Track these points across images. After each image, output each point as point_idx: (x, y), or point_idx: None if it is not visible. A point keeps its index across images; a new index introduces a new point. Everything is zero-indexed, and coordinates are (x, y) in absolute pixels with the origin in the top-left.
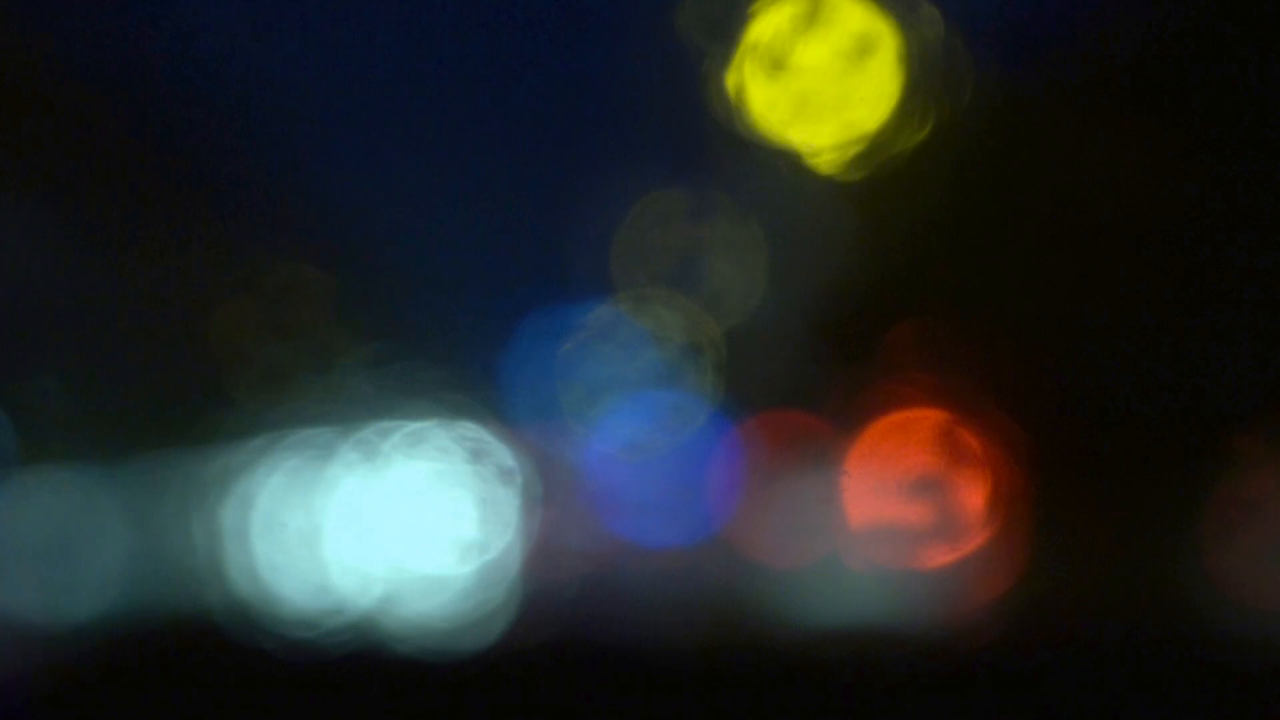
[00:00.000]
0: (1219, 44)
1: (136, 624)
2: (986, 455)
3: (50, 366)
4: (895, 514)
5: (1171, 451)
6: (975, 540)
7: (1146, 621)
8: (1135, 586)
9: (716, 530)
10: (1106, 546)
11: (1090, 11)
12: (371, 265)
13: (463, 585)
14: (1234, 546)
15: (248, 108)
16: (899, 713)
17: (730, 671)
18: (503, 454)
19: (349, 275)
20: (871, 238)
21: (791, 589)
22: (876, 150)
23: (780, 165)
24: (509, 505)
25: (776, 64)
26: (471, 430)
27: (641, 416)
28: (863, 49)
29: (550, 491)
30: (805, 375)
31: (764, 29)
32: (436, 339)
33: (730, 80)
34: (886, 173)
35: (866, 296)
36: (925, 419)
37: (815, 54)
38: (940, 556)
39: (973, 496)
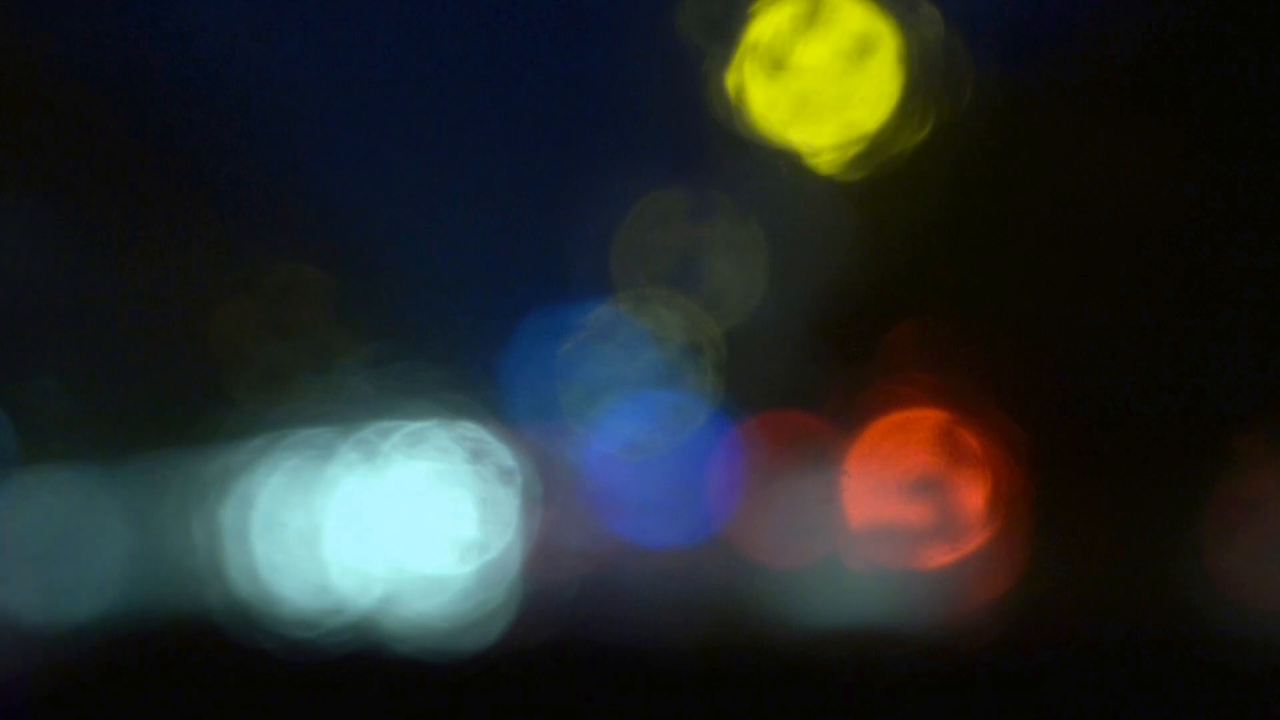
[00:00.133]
0: (1219, 44)
1: (136, 624)
2: (986, 455)
3: (50, 366)
4: (895, 514)
5: (1171, 451)
6: (975, 540)
7: (1146, 621)
8: (1135, 586)
9: (716, 530)
10: (1106, 546)
11: (1090, 11)
12: (371, 265)
13: (463, 585)
14: (1234, 546)
15: (248, 108)
16: (899, 713)
17: (730, 671)
18: (503, 454)
19: (349, 275)
20: (871, 238)
21: (791, 589)
22: (876, 150)
23: (780, 165)
24: (509, 505)
25: (776, 64)
26: (471, 430)
27: (641, 416)
28: (863, 49)
29: (550, 491)
30: (805, 375)
31: (764, 29)
32: (436, 339)
33: (730, 80)
34: (886, 173)
35: (866, 296)
36: (925, 419)
37: (815, 54)
38: (940, 556)
39: (973, 496)
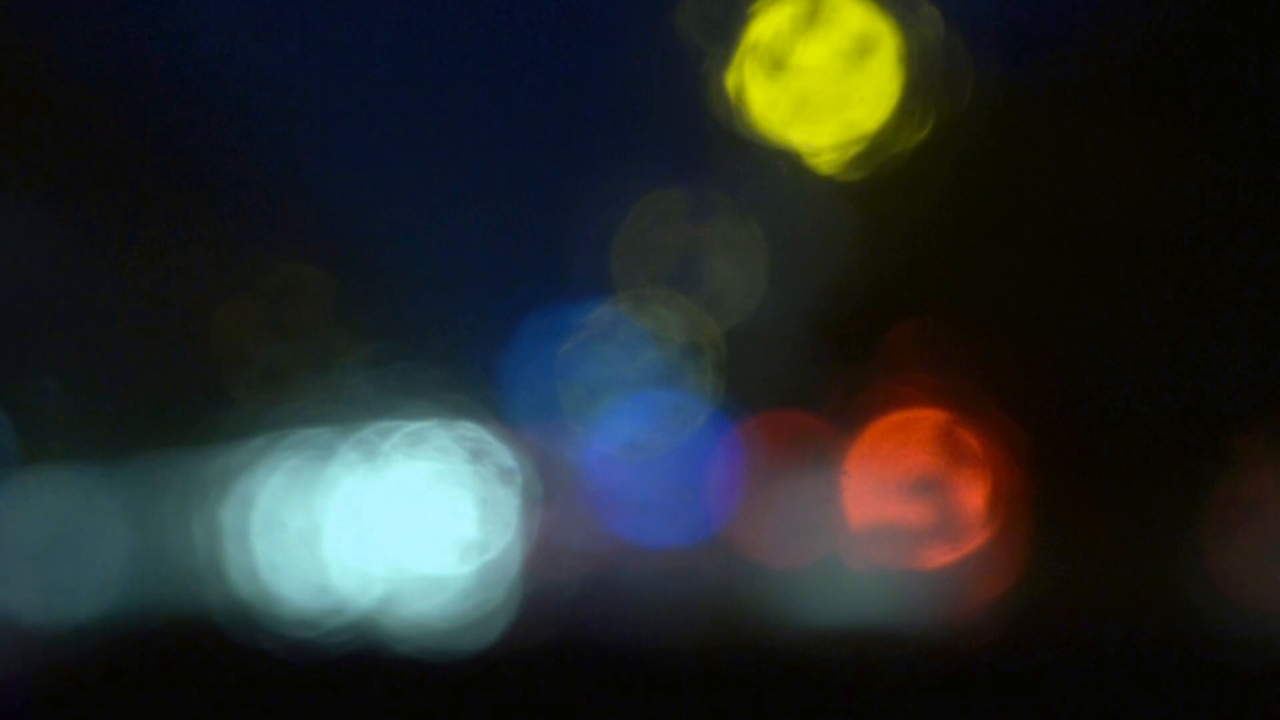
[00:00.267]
0: (1219, 44)
1: (136, 624)
2: (986, 455)
3: (50, 366)
4: (895, 514)
5: (1171, 451)
6: (975, 540)
7: (1146, 621)
8: (1135, 586)
9: (716, 530)
10: (1106, 546)
11: (1090, 11)
12: (371, 265)
13: (463, 585)
14: (1234, 546)
15: (248, 108)
16: (899, 713)
17: (730, 671)
18: (503, 454)
19: (349, 275)
20: (871, 238)
21: (791, 589)
22: (876, 150)
23: (780, 165)
24: (509, 505)
25: (776, 64)
26: (471, 430)
27: (641, 416)
28: (863, 49)
29: (550, 491)
30: (805, 375)
31: (764, 29)
32: (436, 339)
33: (730, 80)
34: (886, 173)
35: (866, 296)
36: (925, 419)
37: (815, 54)
38: (940, 556)
39: (973, 496)
